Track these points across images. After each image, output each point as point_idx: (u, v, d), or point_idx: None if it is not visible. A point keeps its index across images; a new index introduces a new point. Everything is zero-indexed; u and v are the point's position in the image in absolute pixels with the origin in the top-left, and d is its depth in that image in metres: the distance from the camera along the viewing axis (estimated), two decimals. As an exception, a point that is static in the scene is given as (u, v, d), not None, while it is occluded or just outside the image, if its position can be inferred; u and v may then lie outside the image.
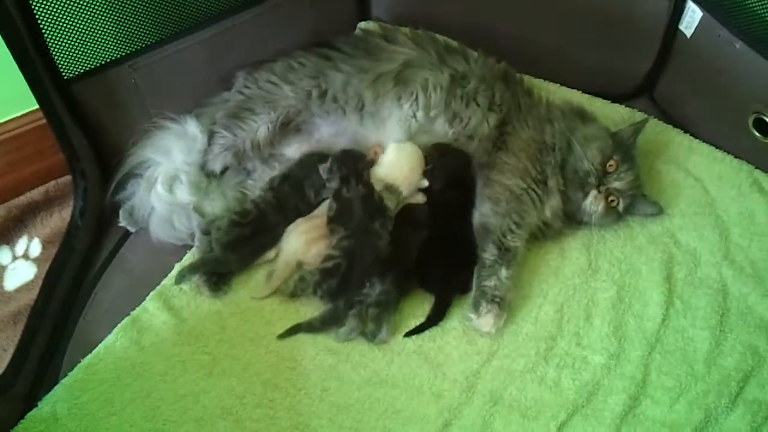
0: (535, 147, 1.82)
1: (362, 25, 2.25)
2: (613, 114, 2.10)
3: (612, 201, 1.78)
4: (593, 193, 1.76)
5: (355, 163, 1.79)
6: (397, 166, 1.80)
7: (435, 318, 1.67)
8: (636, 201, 1.83)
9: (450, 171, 1.83)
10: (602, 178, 1.77)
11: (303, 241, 1.73)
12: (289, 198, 1.81)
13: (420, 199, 1.83)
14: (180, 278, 1.70)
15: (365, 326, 1.64)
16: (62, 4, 1.61)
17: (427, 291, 1.71)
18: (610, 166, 1.77)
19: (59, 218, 1.99)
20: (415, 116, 1.86)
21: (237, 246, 1.73)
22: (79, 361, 1.59)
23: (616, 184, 1.77)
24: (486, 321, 1.63)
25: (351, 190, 1.75)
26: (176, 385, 1.56)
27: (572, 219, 1.83)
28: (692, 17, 1.91)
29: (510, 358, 1.63)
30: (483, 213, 1.77)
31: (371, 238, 1.70)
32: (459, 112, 1.86)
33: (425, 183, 1.82)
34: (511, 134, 1.85)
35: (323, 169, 1.80)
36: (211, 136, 1.87)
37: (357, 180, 1.76)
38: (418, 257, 1.72)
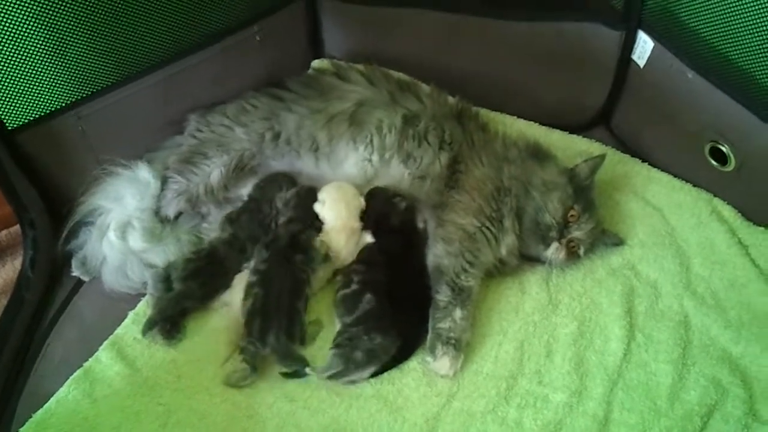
0: (491, 185, 1.80)
1: (315, 63, 2.26)
2: (571, 146, 2.10)
3: (573, 247, 1.77)
4: (555, 245, 1.76)
5: (309, 210, 1.80)
6: (336, 204, 1.80)
7: (402, 356, 1.65)
8: (597, 241, 1.82)
9: (376, 212, 1.82)
10: (563, 230, 1.76)
11: None
12: (246, 227, 1.81)
13: (368, 239, 1.81)
14: (148, 328, 1.67)
15: (347, 371, 1.60)
16: (2, 55, 1.60)
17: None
18: (572, 216, 1.76)
19: (12, 268, 1.97)
20: (370, 159, 1.85)
21: (196, 275, 1.73)
22: (31, 416, 1.55)
23: (578, 234, 1.76)
24: (442, 364, 1.60)
25: (287, 228, 1.76)
26: (130, 438, 1.53)
27: (529, 259, 1.82)
28: (644, 47, 1.92)
29: (470, 399, 1.60)
30: (436, 254, 1.75)
31: (290, 267, 1.69)
32: (412, 152, 1.85)
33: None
34: (464, 173, 1.83)
35: (281, 198, 1.81)
36: (164, 181, 1.86)
37: (303, 224, 1.77)
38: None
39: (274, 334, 1.59)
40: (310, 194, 1.82)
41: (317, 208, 1.80)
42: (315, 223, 1.79)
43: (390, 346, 1.62)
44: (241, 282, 1.73)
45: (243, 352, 1.61)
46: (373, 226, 1.81)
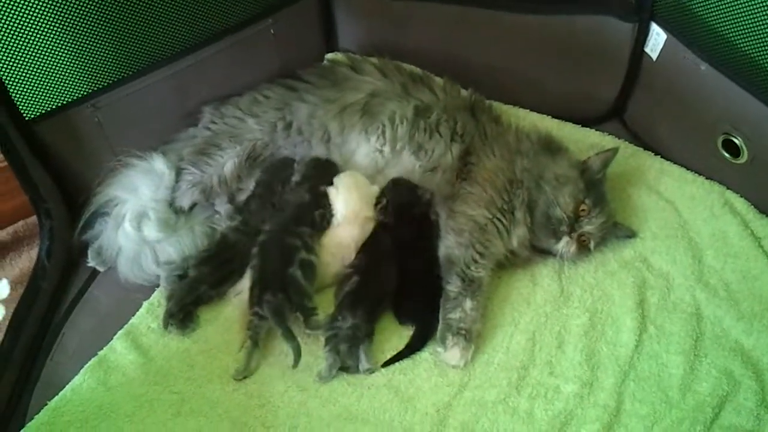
0: (503, 177, 1.80)
1: (329, 56, 2.27)
2: (584, 138, 2.10)
3: (584, 241, 1.77)
4: (565, 239, 1.75)
5: (322, 178, 1.84)
6: (348, 193, 1.82)
7: (415, 346, 1.66)
8: (608, 235, 1.82)
9: (399, 204, 1.83)
10: (574, 224, 1.75)
11: None
12: (257, 213, 1.83)
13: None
14: (167, 320, 1.69)
15: (344, 360, 1.61)
16: (20, 46, 1.61)
17: (403, 324, 1.70)
18: (582, 210, 1.76)
19: (28, 258, 1.98)
20: (381, 150, 1.87)
21: (207, 261, 1.76)
22: (46, 404, 1.57)
23: (588, 228, 1.76)
24: (453, 354, 1.61)
25: (293, 193, 1.80)
26: (144, 426, 1.54)
27: (541, 252, 1.82)
28: (657, 40, 1.92)
29: (482, 389, 1.60)
30: (447, 245, 1.75)
31: (287, 236, 1.71)
32: (423, 143, 1.86)
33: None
34: (476, 164, 1.84)
35: (298, 162, 1.86)
36: (178, 172, 1.87)
37: (309, 189, 1.81)
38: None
39: (271, 293, 1.62)
40: (329, 163, 1.87)
41: (331, 194, 1.82)
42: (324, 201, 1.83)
43: (361, 324, 1.62)
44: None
45: (249, 327, 1.63)
46: (395, 216, 1.82)
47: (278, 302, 1.61)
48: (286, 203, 1.79)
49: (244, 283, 1.73)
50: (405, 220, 1.81)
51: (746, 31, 1.69)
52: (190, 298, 1.71)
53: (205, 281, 1.73)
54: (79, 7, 1.66)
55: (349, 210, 1.80)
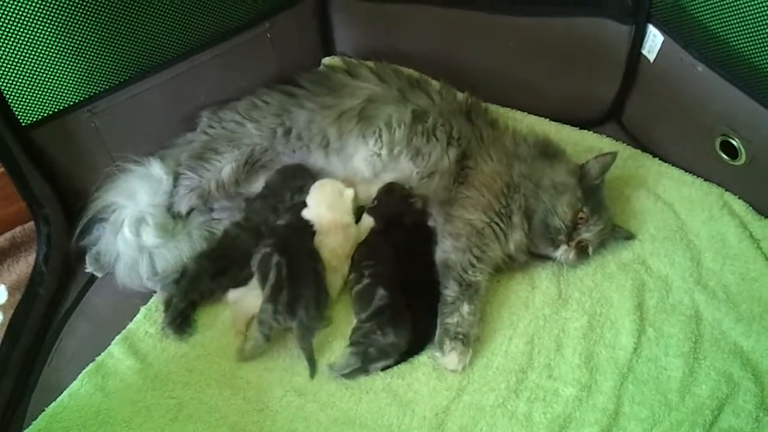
0: (501, 181, 1.79)
1: (326, 60, 2.27)
2: (582, 141, 2.10)
3: (583, 246, 1.77)
4: (563, 247, 1.75)
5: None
6: (317, 206, 1.82)
7: (414, 350, 1.66)
8: (607, 239, 1.82)
9: (390, 211, 1.83)
10: (572, 232, 1.75)
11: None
12: (259, 211, 1.84)
13: (367, 221, 1.85)
14: (172, 317, 1.69)
15: (363, 367, 1.61)
16: (15, 51, 1.62)
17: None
18: (581, 219, 1.75)
19: (26, 264, 1.98)
20: (379, 154, 1.86)
21: (209, 254, 1.77)
22: (44, 410, 1.57)
23: (586, 235, 1.76)
24: (450, 359, 1.61)
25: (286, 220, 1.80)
26: (141, 431, 1.54)
27: (539, 257, 1.82)
28: (654, 41, 1.92)
29: (480, 392, 1.60)
30: (444, 250, 1.75)
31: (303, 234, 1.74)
32: (420, 148, 1.85)
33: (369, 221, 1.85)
34: (473, 168, 1.83)
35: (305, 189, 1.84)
36: (176, 177, 1.87)
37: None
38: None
39: (304, 307, 1.59)
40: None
41: (304, 213, 1.82)
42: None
43: (401, 343, 1.62)
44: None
45: (261, 325, 1.61)
46: (382, 225, 1.82)
47: (310, 323, 1.60)
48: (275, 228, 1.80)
49: (242, 291, 1.74)
50: (396, 227, 1.80)
51: (743, 32, 1.68)
52: (194, 293, 1.72)
53: (206, 272, 1.73)
54: (75, 13, 1.65)
55: (324, 222, 1.80)
